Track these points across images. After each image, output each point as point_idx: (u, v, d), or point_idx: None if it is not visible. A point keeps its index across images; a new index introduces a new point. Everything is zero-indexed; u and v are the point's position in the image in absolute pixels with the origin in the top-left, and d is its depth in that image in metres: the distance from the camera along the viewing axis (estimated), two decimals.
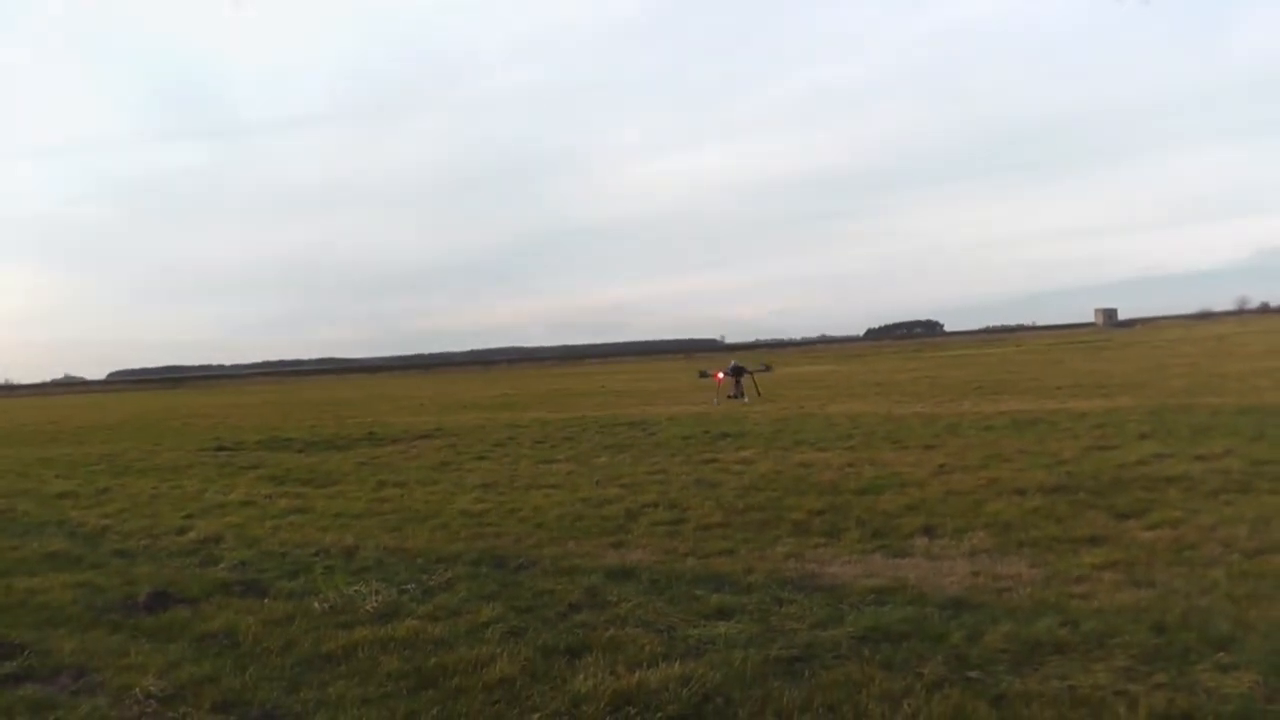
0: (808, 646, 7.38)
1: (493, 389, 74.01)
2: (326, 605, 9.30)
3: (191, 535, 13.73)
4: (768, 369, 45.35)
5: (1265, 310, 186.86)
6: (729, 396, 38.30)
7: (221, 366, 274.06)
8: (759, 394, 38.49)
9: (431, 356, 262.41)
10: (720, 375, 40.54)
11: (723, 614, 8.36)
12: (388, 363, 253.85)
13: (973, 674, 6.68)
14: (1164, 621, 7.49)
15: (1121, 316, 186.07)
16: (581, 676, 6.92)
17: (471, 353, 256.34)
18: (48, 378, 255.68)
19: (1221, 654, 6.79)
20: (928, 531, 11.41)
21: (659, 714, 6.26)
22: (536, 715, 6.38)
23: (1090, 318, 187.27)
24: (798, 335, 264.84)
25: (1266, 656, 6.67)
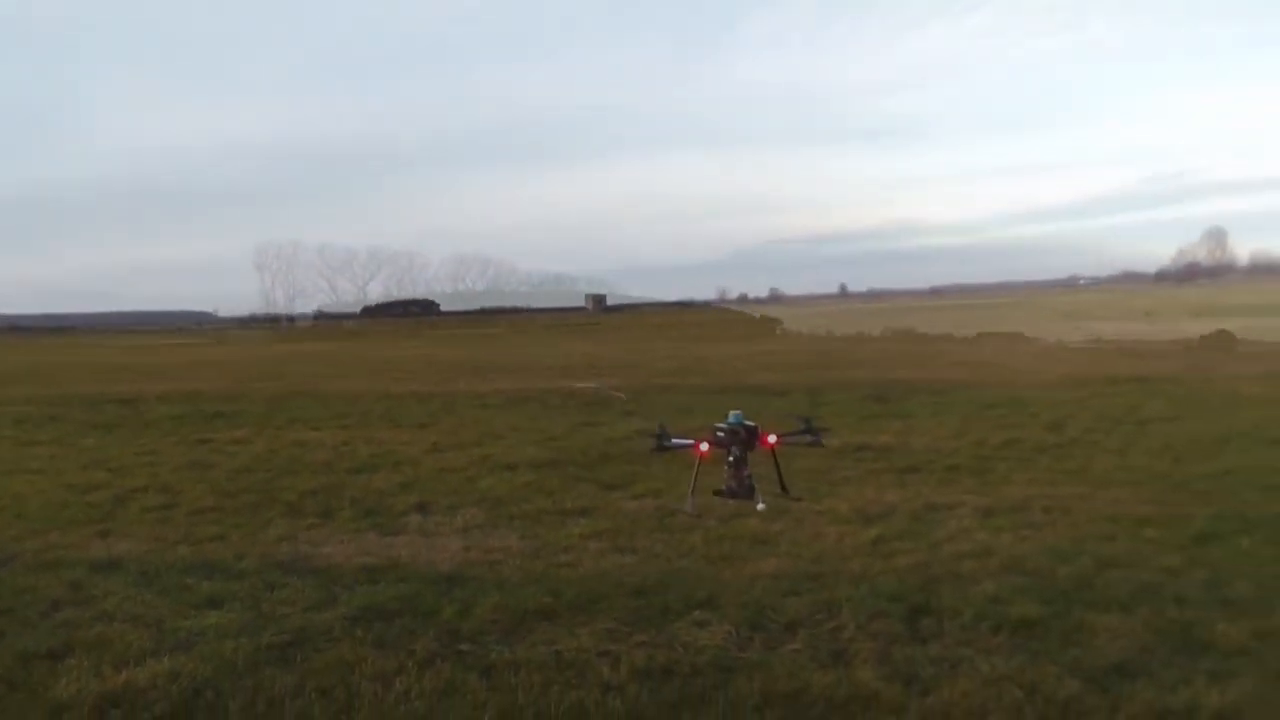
0: (300, 631, 7.11)
1: None
2: None
3: None
4: (814, 435, 10.57)
5: (743, 300, 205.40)
6: (726, 490, 9.95)
7: None
8: (785, 490, 10.38)
9: None
10: (705, 443, 10.14)
11: (214, 603, 7.90)
12: None
13: (464, 647, 6.67)
14: (645, 584, 7.87)
15: (610, 303, 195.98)
16: (64, 681, 6.27)
17: None
18: None
19: (698, 611, 7.22)
20: (421, 509, 11.34)
21: (146, 714, 5.81)
22: None
23: (581, 302, 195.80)
24: (294, 311, 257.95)
25: (738, 610, 7.18)
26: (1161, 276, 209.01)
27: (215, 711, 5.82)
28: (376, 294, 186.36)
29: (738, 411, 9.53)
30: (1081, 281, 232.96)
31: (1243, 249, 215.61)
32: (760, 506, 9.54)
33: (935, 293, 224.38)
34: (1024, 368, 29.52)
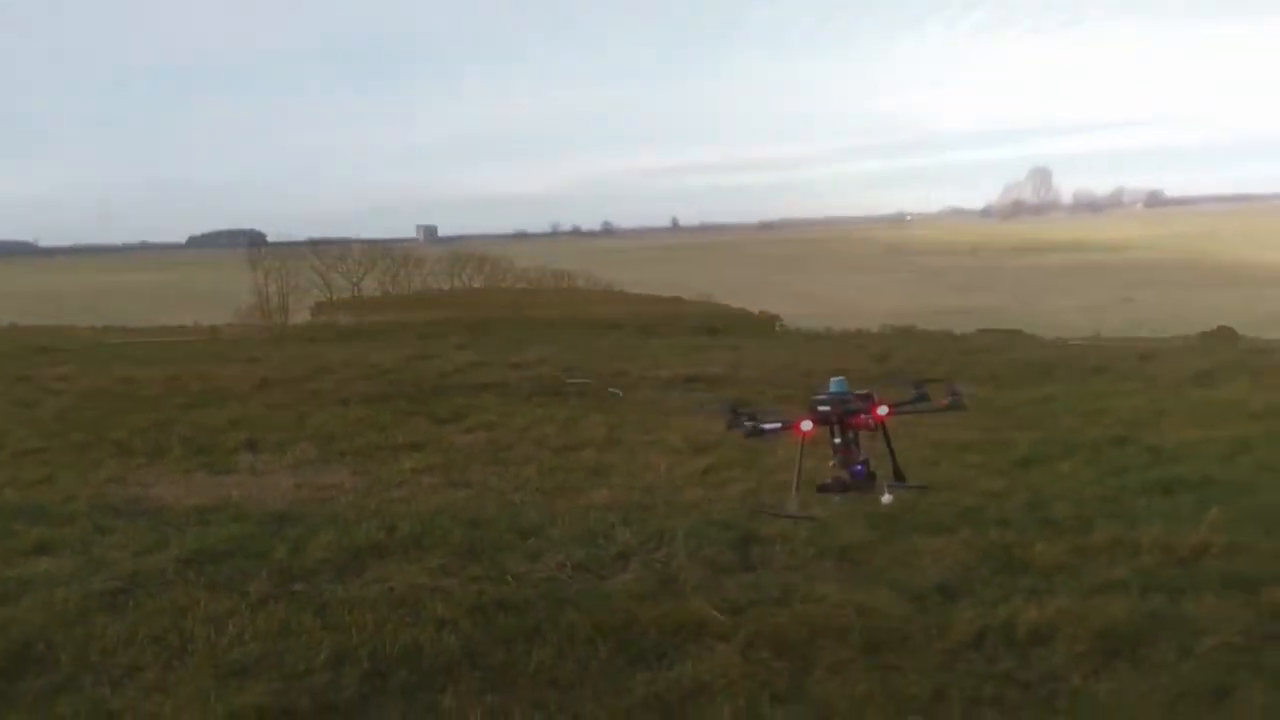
0: (132, 576, 6.96)
1: None
2: None
3: None
4: (957, 397, 6.78)
5: (576, 233, 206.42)
6: (834, 483, 6.43)
7: None
8: (901, 478, 6.68)
9: None
10: (808, 421, 6.50)
11: (43, 549, 7.63)
12: None
13: (298, 587, 6.60)
14: (479, 518, 7.92)
15: (441, 234, 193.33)
16: None
17: None
18: None
19: (531, 540, 7.33)
20: (251, 446, 11.16)
21: None
22: None
23: (412, 233, 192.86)
24: (118, 241, 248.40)
25: (571, 540, 7.31)
26: (988, 213, 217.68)
27: (46, 664, 5.68)
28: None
29: (840, 378, 6.66)
30: (909, 218, 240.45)
31: (1066, 188, 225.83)
32: (886, 499, 6.59)
33: (766, 227, 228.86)
34: (851, 300, 30.28)
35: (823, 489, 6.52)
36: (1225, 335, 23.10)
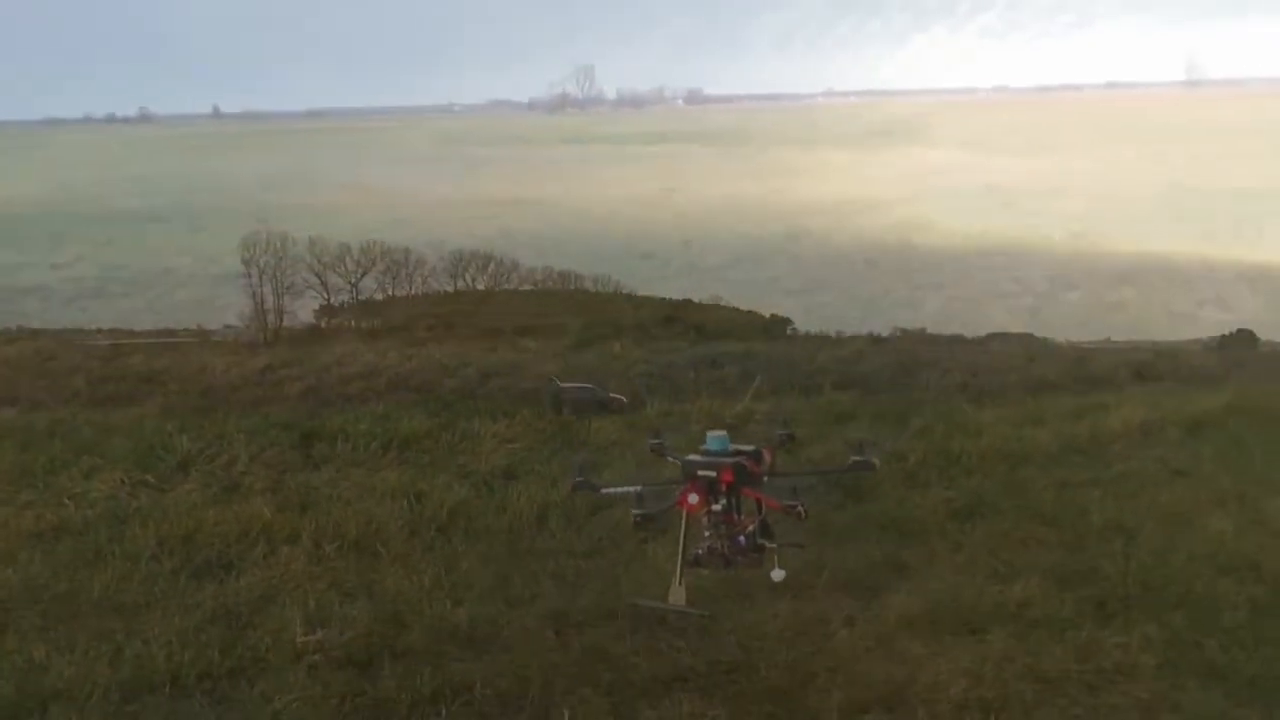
0: None
1: None
2: None
3: None
4: (865, 457, 5.23)
5: (111, 120, 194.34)
6: (706, 553, 4.92)
7: None
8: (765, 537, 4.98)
9: None
10: (693, 494, 4.88)
11: None
12: None
13: None
14: (31, 438, 7.57)
15: None
16: None
17: None
18: None
19: (85, 458, 7.07)
20: None
21: None
22: None
23: None
24: None
25: (129, 455, 7.13)
26: (534, 105, 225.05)
27: None
28: None
29: (721, 433, 5.21)
30: (456, 108, 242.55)
31: (610, 85, 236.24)
32: (778, 575, 4.91)
33: (313, 114, 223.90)
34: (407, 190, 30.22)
35: (695, 562, 5.02)
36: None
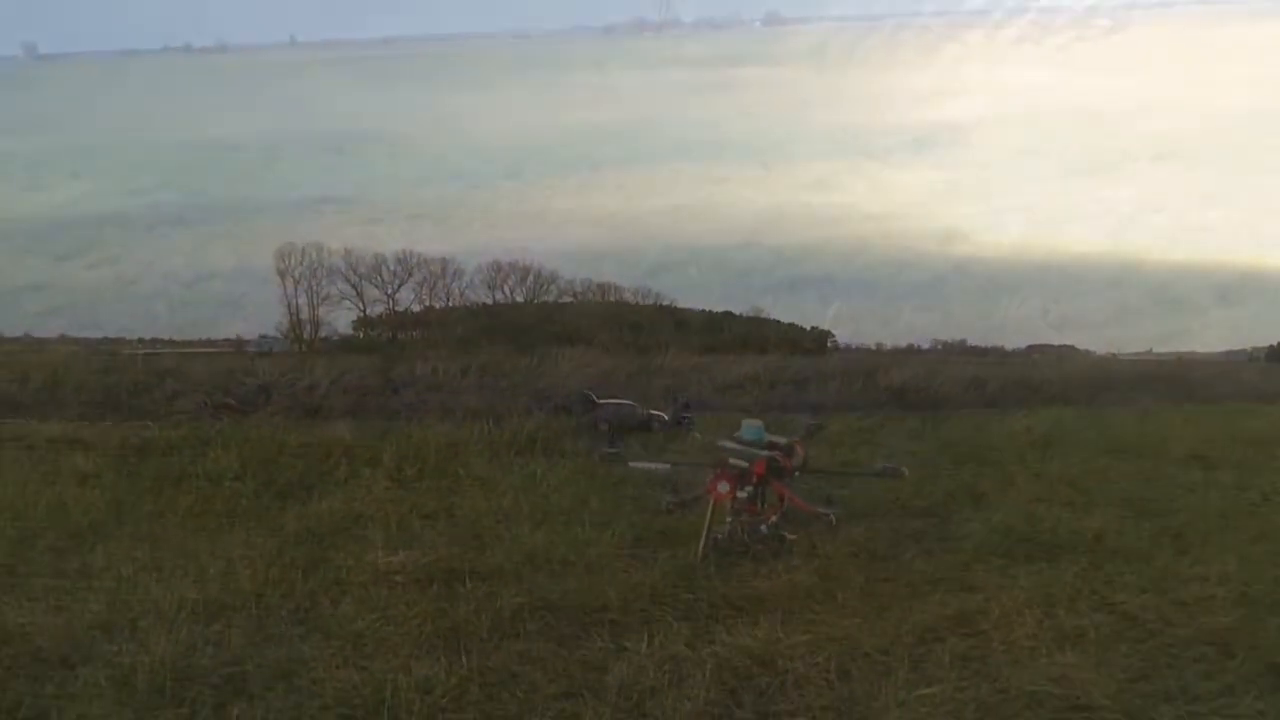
0: None
1: None
2: None
3: None
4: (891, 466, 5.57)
5: (189, 49, 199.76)
6: (734, 538, 4.85)
7: None
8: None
9: None
10: (724, 482, 4.83)
11: None
12: None
13: None
14: (114, 364, 7.74)
15: (43, 51, 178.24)
16: None
17: None
18: None
19: (169, 382, 7.15)
20: None
21: None
22: None
23: (14, 50, 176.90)
24: None
25: (208, 381, 7.22)
26: (610, 30, 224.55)
27: None
28: None
29: (756, 423, 5.29)
30: (533, 34, 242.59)
31: (686, 9, 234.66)
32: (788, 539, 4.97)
33: (388, 41, 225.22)
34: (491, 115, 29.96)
35: (715, 544, 4.82)
36: None
